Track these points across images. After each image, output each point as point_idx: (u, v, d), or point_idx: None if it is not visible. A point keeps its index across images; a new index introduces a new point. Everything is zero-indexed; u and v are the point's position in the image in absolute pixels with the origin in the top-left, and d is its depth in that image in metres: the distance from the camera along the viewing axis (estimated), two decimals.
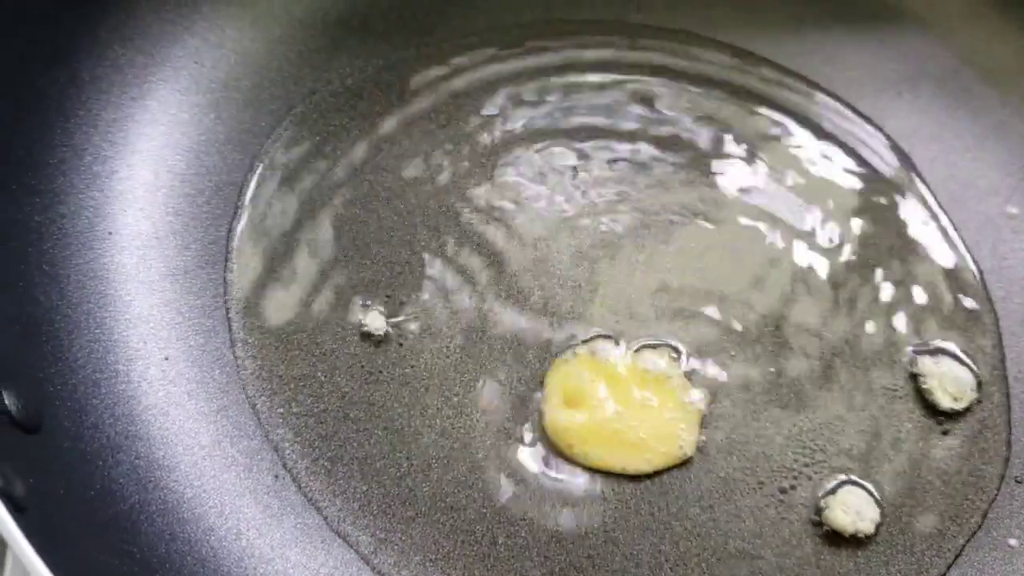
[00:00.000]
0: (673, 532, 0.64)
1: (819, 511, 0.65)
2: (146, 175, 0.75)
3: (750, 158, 0.79)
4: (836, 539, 0.64)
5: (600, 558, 0.63)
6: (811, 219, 0.77)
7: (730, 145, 0.80)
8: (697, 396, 0.68)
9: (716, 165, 0.79)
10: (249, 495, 0.65)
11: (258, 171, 0.76)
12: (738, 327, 0.71)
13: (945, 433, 0.68)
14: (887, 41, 0.86)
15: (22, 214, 0.69)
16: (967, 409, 0.69)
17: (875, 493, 0.66)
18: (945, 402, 0.69)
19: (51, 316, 0.66)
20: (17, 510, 0.51)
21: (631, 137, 0.79)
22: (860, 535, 0.64)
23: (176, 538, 0.61)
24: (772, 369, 0.70)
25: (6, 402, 0.58)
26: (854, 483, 0.66)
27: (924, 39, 0.86)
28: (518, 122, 0.79)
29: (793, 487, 0.66)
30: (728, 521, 0.65)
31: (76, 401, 0.64)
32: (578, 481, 0.66)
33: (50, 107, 0.73)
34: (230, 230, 0.74)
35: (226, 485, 0.65)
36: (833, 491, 0.65)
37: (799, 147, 0.81)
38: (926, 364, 0.70)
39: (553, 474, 0.66)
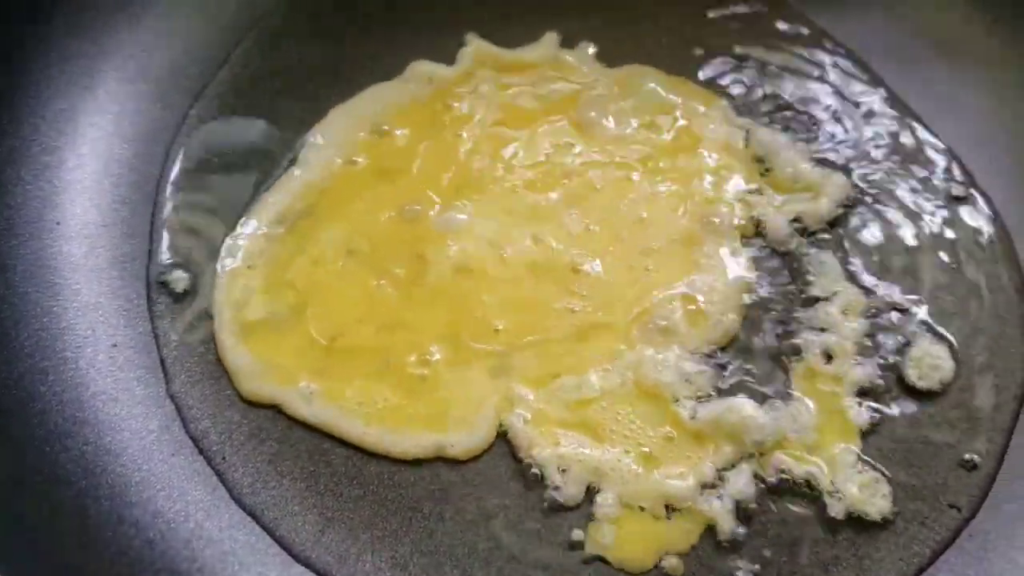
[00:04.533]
0: None
1: None
2: (94, 165, 0.76)
3: None
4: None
5: None
6: None
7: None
8: None
9: None
10: (197, 478, 0.65)
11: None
12: None
13: None
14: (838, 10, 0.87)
15: None
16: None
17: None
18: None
19: None
20: None
21: None
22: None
23: (124, 521, 0.62)
24: None
25: None
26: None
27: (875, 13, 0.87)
28: None
29: None
30: None
31: (23, 389, 0.65)
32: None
33: None
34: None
35: (175, 469, 0.65)
36: None
37: None
38: None
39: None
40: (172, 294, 0.71)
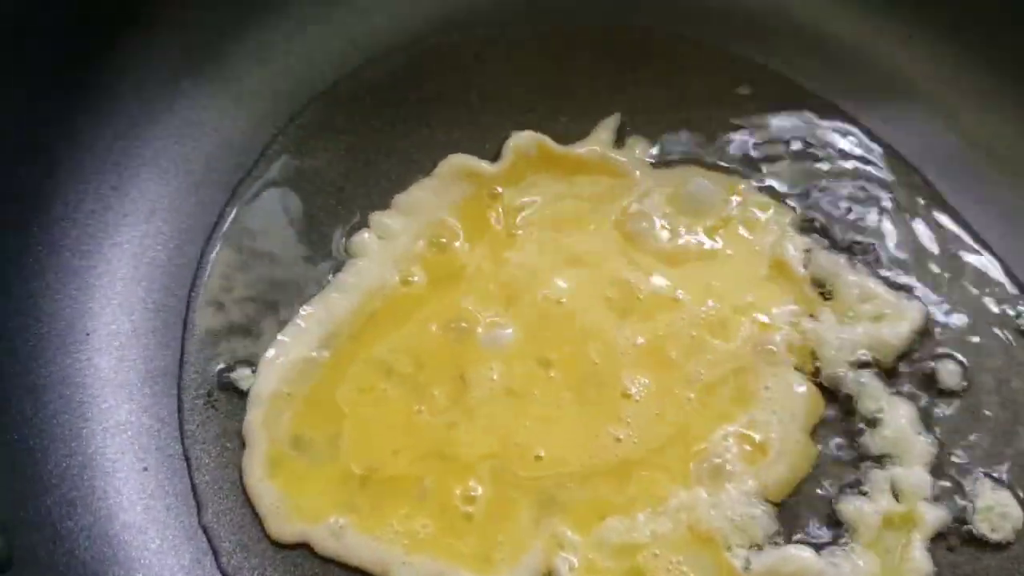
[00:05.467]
0: None
1: None
2: (125, 269, 0.73)
3: None
4: None
5: None
6: None
7: None
8: None
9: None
10: None
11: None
12: None
13: None
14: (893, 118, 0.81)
15: None
16: None
17: None
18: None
19: (25, 431, 0.64)
20: None
21: None
22: None
23: None
24: None
25: None
26: None
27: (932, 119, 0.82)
28: None
29: None
30: None
31: (51, 525, 0.62)
32: None
33: (26, 202, 0.70)
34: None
35: None
36: None
37: None
38: None
39: None
40: (205, 414, 0.68)
